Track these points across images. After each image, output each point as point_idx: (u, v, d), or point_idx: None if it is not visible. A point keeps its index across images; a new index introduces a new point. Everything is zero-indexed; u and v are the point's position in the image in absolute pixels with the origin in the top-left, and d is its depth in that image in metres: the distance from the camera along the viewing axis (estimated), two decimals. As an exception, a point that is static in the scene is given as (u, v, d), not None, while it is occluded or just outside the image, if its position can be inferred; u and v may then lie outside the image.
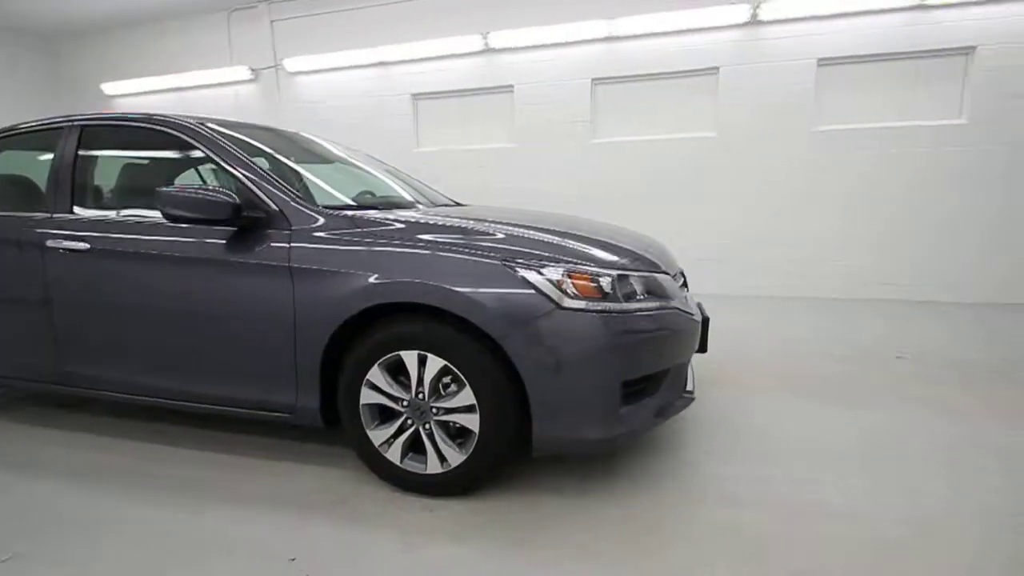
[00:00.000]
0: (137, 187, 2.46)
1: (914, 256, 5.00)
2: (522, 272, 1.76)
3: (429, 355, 1.83)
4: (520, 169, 5.90)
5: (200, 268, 2.07)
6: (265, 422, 2.34)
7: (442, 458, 1.90)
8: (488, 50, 5.75)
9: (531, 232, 2.02)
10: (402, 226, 2.01)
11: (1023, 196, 4.67)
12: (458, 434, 1.91)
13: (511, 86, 5.81)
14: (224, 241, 2.05)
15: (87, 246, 2.21)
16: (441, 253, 1.83)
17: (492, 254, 1.81)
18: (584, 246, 1.99)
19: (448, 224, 2.03)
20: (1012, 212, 4.71)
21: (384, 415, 1.98)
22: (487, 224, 2.08)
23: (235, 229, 2.05)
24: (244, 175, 2.10)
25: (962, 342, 3.75)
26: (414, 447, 1.96)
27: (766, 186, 5.26)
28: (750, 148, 5.25)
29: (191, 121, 2.26)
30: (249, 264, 2.00)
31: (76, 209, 2.34)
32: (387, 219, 2.06)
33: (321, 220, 2.03)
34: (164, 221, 2.18)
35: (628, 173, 5.60)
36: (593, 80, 5.55)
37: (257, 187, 2.07)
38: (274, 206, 2.05)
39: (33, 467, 2.25)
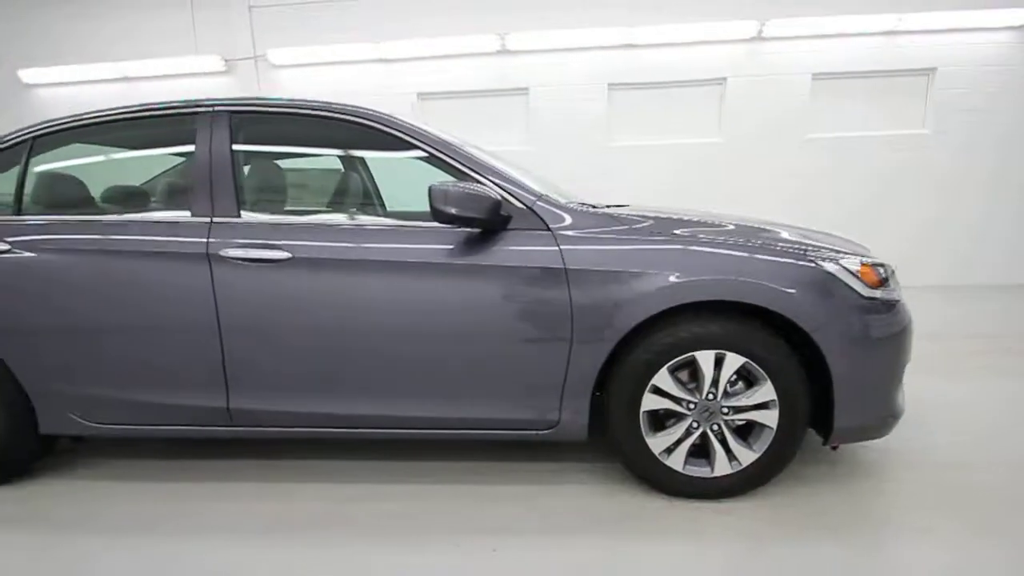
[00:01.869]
0: (329, 188, 2.11)
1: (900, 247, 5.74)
2: (825, 265, 1.79)
3: (728, 354, 1.79)
4: (536, 171, 5.85)
5: (443, 276, 1.83)
6: (488, 441, 2.12)
7: (731, 459, 1.86)
8: (503, 51, 5.66)
9: (776, 227, 2.05)
10: (651, 222, 1.94)
11: (976, 196, 5.58)
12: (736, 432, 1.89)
13: (526, 88, 5.77)
14: (464, 245, 1.84)
15: (287, 255, 1.85)
16: (739, 252, 1.80)
17: (790, 248, 1.82)
18: (837, 237, 2.07)
19: (698, 220, 2.00)
20: (964, 207, 5.61)
21: (659, 421, 1.90)
22: (725, 219, 2.08)
23: (478, 231, 1.85)
24: (485, 174, 1.90)
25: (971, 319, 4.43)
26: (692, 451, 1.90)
27: (766, 188, 5.73)
28: (752, 153, 5.69)
29: (401, 117, 2.00)
30: (512, 268, 1.81)
31: (244, 214, 1.96)
32: (632, 215, 1.98)
33: (568, 218, 1.90)
34: (374, 225, 1.95)
35: (643, 177, 5.80)
36: (609, 85, 5.69)
37: (501, 186, 1.89)
38: (521, 204, 1.89)
39: (242, 529, 1.83)
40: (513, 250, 1.83)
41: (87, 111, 2.16)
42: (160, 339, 1.94)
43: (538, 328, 1.82)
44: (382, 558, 1.66)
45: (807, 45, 5.44)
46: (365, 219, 1.99)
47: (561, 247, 1.82)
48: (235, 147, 2.01)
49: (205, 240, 1.89)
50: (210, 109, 2.04)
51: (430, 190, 1.72)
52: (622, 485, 2.00)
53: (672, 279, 1.76)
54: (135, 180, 2.23)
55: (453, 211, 1.72)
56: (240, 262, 1.87)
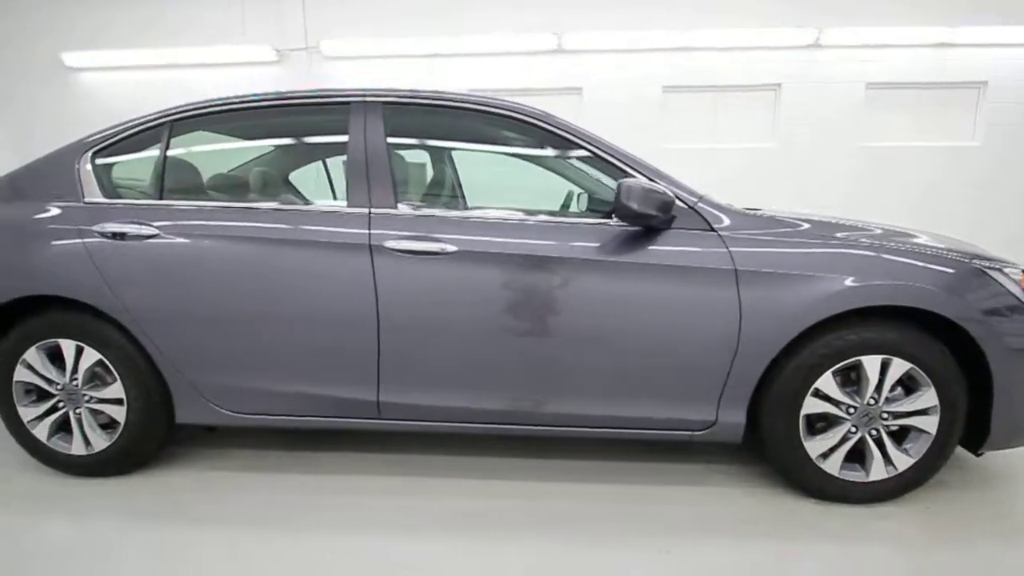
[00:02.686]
0: (430, 180, 2.09)
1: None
2: (992, 273, 1.80)
3: (894, 359, 1.79)
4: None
5: (612, 274, 1.83)
6: (644, 441, 2.12)
7: (887, 463, 1.87)
8: (559, 50, 5.65)
9: (914, 232, 2.06)
10: (808, 226, 1.95)
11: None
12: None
13: (580, 88, 5.77)
14: (631, 243, 1.84)
15: (453, 248, 1.84)
16: (911, 259, 1.80)
17: (957, 256, 1.83)
18: (970, 244, 2.09)
19: (848, 224, 2.01)
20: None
21: (809, 425, 1.90)
22: (864, 224, 2.08)
23: (640, 229, 1.85)
24: (650, 174, 1.91)
25: None
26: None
27: (819, 195, 5.76)
28: (806, 160, 5.72)
29: (559, 116, 1.99)
30: (680, 268, 1.81)
31: (400, 206, 1.94)
32: (787, 218, 1.98)
33: (726, 219, 1.91)
34: (535, 221, 1.94)
35: (696, 180, 5.79)
36: (664, 88, 5.70)
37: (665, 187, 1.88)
38: (684, 204, 1.89)
39: (394, 524, 1.81)
40: (681, 250, 1.83)
41: (226, 96, 2.13)
42: (313, 329, 1.92)
43: (704, 328, 1.82)
44: (551, 556, 1.65)
45: (862, 54, 5.47)
46: (524, 215, 1.97)
47: (730, 248, 1.82)
48: (392, 140, 1.99)
49: (367, 231, 1.87)
50: (362, 99, 2.02)
51: (619, 185, 1.72)
52: (770, 488, 2.00)
53: (848, 283, 1.76)
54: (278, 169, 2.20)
55: (635, 207, 1.71)
56: (403, 254, 1.85)
